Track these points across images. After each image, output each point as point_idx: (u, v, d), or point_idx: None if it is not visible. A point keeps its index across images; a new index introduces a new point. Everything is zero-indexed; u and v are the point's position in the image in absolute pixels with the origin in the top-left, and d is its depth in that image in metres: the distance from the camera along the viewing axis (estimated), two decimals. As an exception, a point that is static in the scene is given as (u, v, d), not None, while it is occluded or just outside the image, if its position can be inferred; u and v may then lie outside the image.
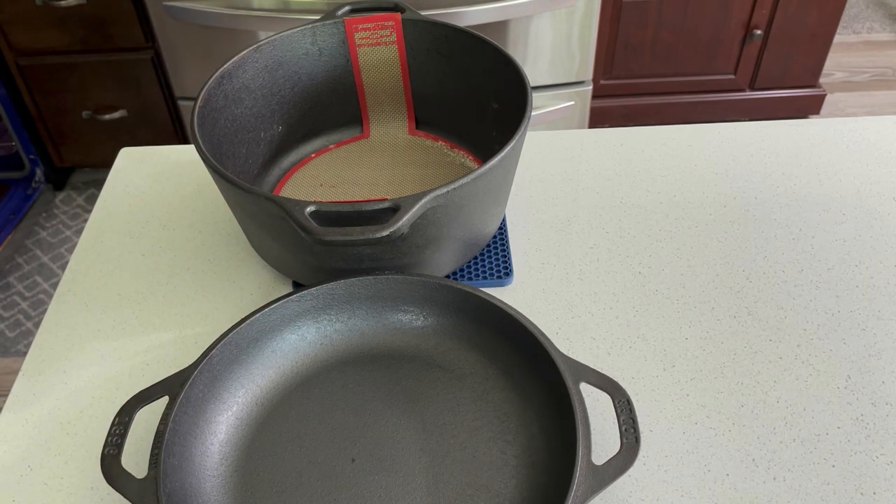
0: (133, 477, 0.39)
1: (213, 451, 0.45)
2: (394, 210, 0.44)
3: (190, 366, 0.44)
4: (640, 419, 0.48)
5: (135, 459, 0.46)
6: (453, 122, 0.65)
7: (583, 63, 1.56)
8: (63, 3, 1.38)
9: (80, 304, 0.57)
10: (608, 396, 0.46)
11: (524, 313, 0.55)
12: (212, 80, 0.56)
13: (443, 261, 0.53)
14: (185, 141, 1.62)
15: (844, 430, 0.47)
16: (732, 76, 1.89)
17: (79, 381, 0.52)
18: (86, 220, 1.62)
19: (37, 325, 1.40)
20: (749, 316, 0.54)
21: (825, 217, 0.62)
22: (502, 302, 0.47)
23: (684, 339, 0.53)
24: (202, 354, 0.45)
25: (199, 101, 0.54)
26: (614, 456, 0.40)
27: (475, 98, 0.62)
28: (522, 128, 0.50)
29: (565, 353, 0.52)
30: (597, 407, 0.48)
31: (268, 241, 0.54)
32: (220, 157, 0.55)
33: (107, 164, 1.60)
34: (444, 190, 0.45)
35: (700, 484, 0.45)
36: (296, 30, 0.61)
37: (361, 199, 0.61)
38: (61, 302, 0.57)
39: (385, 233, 0.43)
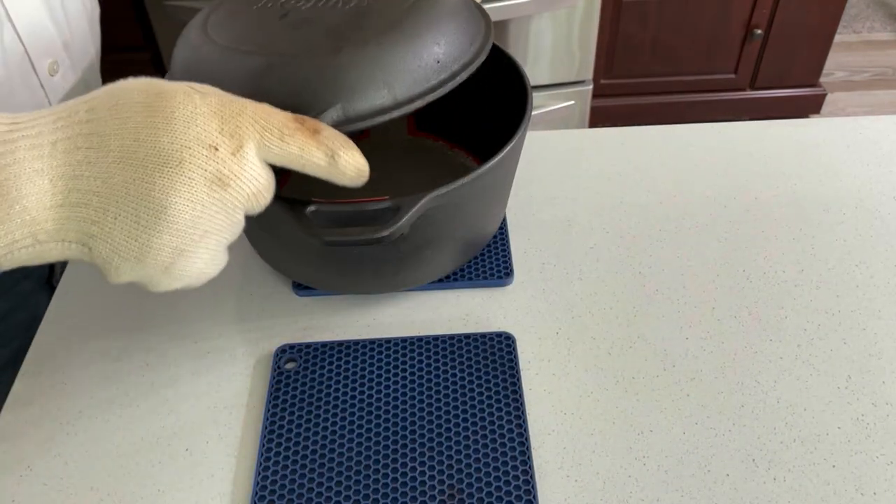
0: None
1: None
2: (394, 210, 0.44)
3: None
4: (640, 419, 0.48)
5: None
6: (453, 122, 0.65)
7: (583, 62, 1.56)
8: (63, 2, 1.37)
9: (80, 303, 0.57)
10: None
11: (524, 313, 0.55)
12: (212, 79, 0.56)
13: (443, 261, 0.53)
14: (185, 141, 1.62)
15: (845, 431, 0.47)
16: (733, 76, 1.89)
17: (79, 381, 0.52)
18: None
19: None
20: (749, 316, 0.54)
21: (826, 217, 0.61)
22: None
23: (685, 340, 0.53)
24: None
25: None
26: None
27: (475, 98, 0.62)
28: (522, 128, 0.50)
29: (566, 353, 0.52)
30: (597, 407, 0.48)
31: (268, 241, 0.54)
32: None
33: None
34: (444, 190, 0.45)
35: (700, 484, 0.45)
36: (296, 30, 0.61)
37: (361, 199, 0.61)
38: (61, 301, 0.57)
39: (385, 233, 0.43)
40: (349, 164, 0.39)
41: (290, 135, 0.37)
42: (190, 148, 0.34)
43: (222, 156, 0.35)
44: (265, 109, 0.37)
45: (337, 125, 0.43)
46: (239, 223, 0.37)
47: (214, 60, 0.46)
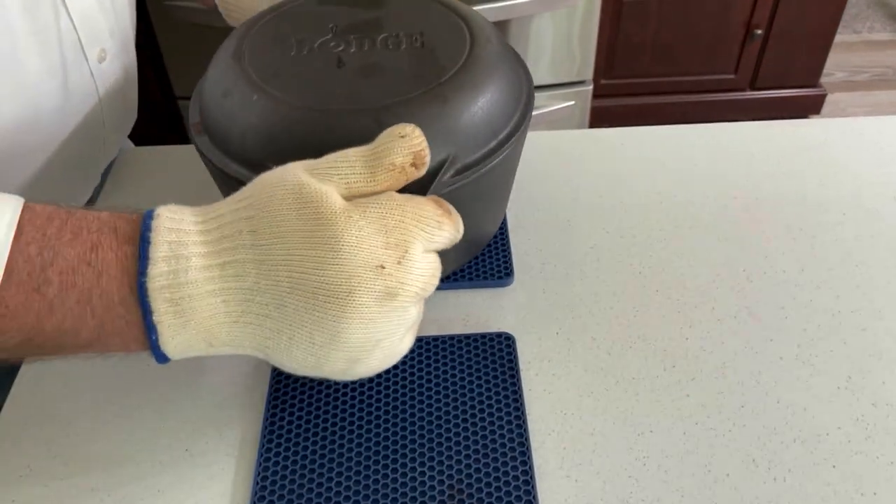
0: None
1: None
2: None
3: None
4: (640, 419, 0.48)
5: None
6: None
7: (583, 63, 1.56)
8: (63, 2, 1.37)
9: (80, 304, 0.57)
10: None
11: (524, 313, 0.55)
12: (212, 80, 0.56)
13: (444, 261, 0.53)
14: (185, 141, 1.62)
15: (845, 431, 0.47)
16: (733, 76, 1.89)
17: (79, 381, 0.52)
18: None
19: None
20: (749, 316, 0.54)
21: (826, 217, 0.61)
22: None
23: (685, 339, 0.53)
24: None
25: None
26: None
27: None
28: (523, 128, 0.49)
29: (566, 353, 0.52)
30: (597, 407, 0.48)
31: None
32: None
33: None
34: (444, 190, 0.45)
35: (700, 484, 0.45)
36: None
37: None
38: (61, 302, 0.57)
39: None
40: (460, 235, 0.40)
41: (442, 223, 0.38)
42: (357, 276, 0.35)
43: (389, 271, 0.36)
44: (418, 204, 0.37)
45: (453, 177, 0.44)
46: (411, 317, 0.38)
47: (314, 122, 0.44)
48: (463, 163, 0.45)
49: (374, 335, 0.36)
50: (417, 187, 0.40)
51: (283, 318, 0.36)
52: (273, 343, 0.37)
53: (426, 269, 0.37)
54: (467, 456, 0.46)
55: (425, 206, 0.38)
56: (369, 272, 0.35)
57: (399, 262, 0.36)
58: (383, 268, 0.35)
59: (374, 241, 0.36)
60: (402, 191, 0.38)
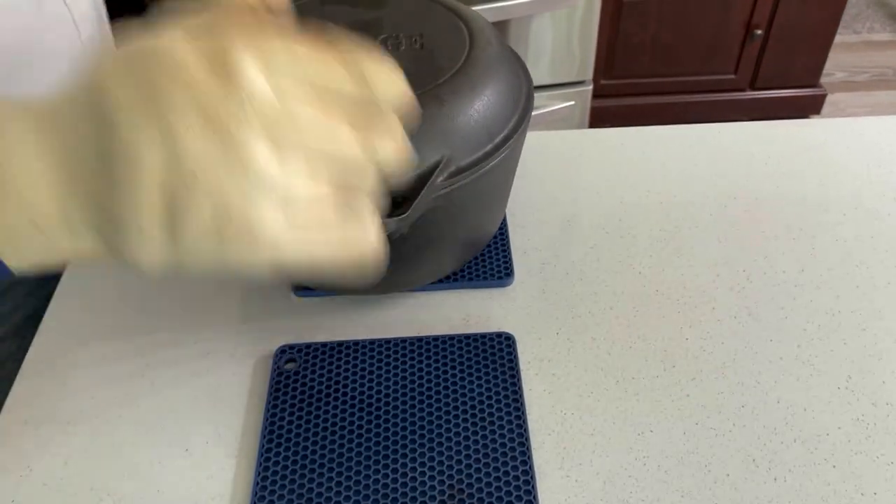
0: None
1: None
2: (394, 210, 0.44)
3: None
4: (640, 419, 0.48)
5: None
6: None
7: (583, 63, 1.56)
8: (63, 2, 1.37)
9: (79, 304, 0.57)
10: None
11: (524, 313, 0.55)
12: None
13: (443, 261, 0.53)
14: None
15: (845, 431, 0.47)
16: (733, 76, 1.89)
17: (79, 381, 0.52)
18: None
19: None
20: (749, 316, 0.54)
21: (826, 217, 0.61)
22: None
23: (685, 340, 0.53)
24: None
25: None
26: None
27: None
28: (521, 130, 0.49)
29: (566, 353, 0.52)
30: (597, 407, 0.48)
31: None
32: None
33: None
34: (444, 190, 0.45)
35: (700, 484, 0.45)
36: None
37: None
38: (61, 302, 0.57)
39: (384, 233, 0.43)
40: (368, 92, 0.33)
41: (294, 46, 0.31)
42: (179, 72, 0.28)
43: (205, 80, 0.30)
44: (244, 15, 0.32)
45: (448, 179, 0.44)
46: (250, 157, 0.28)
47: None
48: (459, 165, 0.45)
49: (185, 156, 0.27)
50: (410, 189, 0.40)
51: (99, 145, 0.28)
52: (99, 197, 0.29)
53: (263, 91, 0.28)
54: (467, 456, 0.46)
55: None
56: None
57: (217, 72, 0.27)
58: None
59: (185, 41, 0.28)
60: (395, 194, 0.37)
